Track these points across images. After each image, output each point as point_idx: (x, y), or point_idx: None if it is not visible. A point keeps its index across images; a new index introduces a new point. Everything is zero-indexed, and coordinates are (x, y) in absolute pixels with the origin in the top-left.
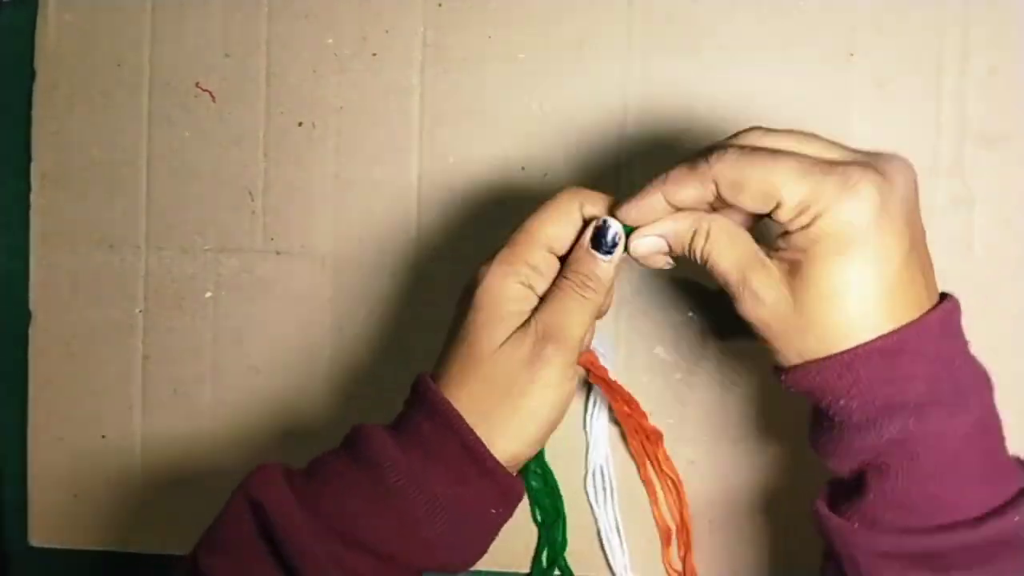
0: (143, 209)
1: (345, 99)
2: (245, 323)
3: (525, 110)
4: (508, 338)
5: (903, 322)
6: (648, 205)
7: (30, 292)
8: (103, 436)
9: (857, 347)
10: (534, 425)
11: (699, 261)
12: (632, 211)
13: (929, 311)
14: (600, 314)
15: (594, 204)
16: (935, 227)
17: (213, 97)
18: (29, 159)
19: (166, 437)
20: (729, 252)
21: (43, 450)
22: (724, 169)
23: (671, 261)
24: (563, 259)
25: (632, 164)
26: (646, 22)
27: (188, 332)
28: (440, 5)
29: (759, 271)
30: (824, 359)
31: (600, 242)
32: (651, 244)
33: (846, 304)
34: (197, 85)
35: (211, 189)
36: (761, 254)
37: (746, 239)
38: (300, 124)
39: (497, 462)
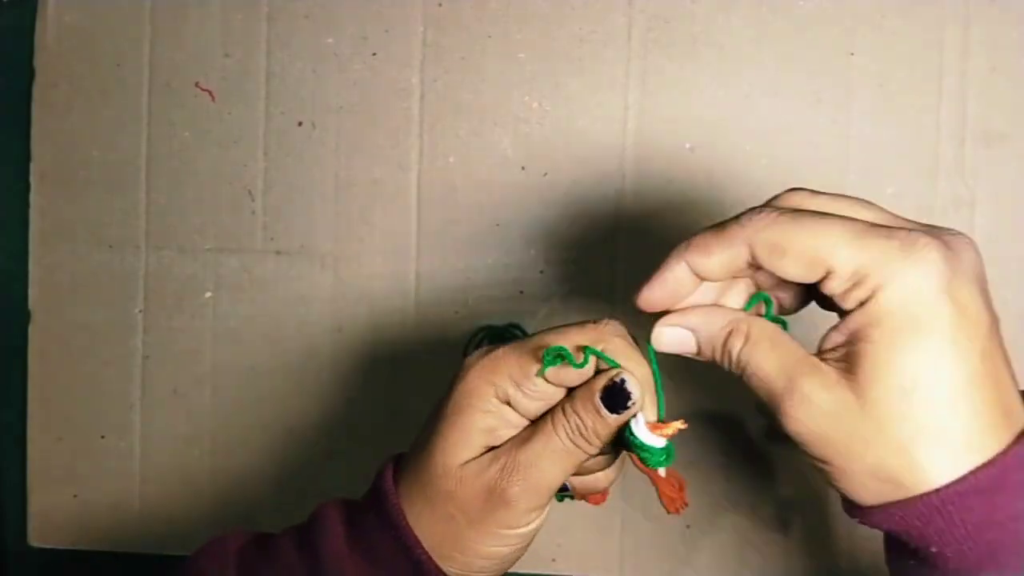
0: (143, 209)
1: (345, 99)
2: (245, 323)
3: (525, 110)
4: (473, 458)
5: (995, 434)
6: (672, 280)
7: (29, 292)
8: (103, 436)
9: (950, 486)
10: (485, 561)
11: (734, 368)
12: (655, 292)
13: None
14: (592, 468)
15: (618, 355)
16: None
17: (213, 97)
18: (28, 159)
19: (166, 437)
20: (772, 355)
21: (42, 450)
22: (762, 229)
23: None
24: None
25: (632, 164)
26: (646, 22)
27: (188, 332)
28: (440, 5)
29: (811, 374)
30: (908, 501)
31: (614, 401)
32: (676, 338)
33: (924, 402)
34: (197, 85)
35: (211, 189)
36: (812, 357)
37: (791, 342)
38: (300, 124)
39: (436, 567)
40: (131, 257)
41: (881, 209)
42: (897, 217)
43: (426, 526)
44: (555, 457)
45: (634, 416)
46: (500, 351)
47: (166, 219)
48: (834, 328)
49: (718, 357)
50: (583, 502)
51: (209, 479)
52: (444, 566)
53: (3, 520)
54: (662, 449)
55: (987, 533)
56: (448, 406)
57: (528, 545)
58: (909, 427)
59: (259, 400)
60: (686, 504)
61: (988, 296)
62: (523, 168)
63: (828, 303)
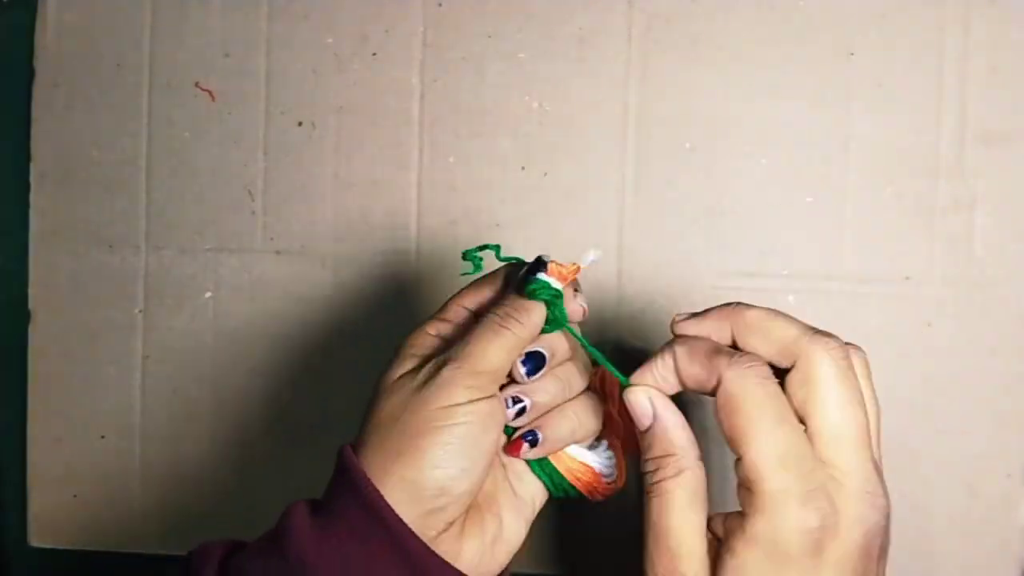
0: (143, 209)
1: (345, 99)
2: (245, 323)
3: (525, 110)
4: (404, 373)
5: None
6: (658, 365)
7: (29, 292)
8: (102, 436)
9: None
10: (435, 471)
11: (647, 485)
12: (642, 374)
13: None
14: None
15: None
16: (935, 227)
17: (213, 97)
18: (28, 159)
19: (165, 437)
20: (682, 513)
21: (42, 450)
22: (733, 381)
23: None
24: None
25: (632, 164)
26: (646, 22)
27: (188, 332)
28: (440, 5)
29: (696, 551)
30: None
31: (532, 270)
32: (643, 408)
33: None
34: (197, 85)
35: (211, 189)
36: (703, 538)
37: (702, 513)
38: (300, 124)
39: (420, 543)
40: (131, 257)
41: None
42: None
43: (377, 443)
44: (487, 337)
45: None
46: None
47: (166, 219)
48: (722, 517)
49: (648, 458)
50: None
51: (209, 479)
52: (398, 495)
53: (3, 520)
54: (553, 288)
55: None
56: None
57: (488, 449)
58: None
59: (259, 400)
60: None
61: (874, 561)
62: (523, 168)
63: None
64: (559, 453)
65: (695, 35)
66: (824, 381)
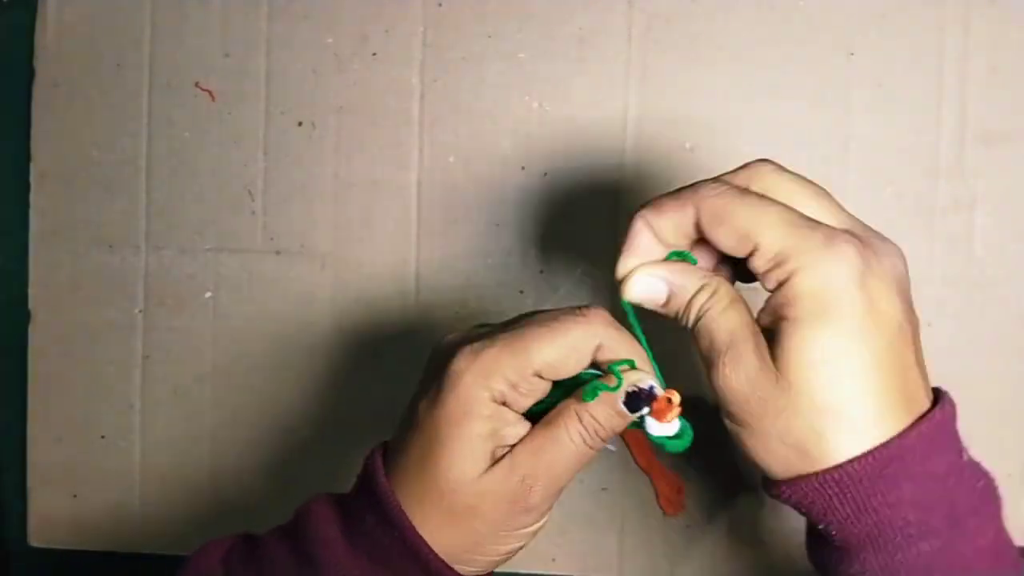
0: (143, 209)
1: (345, 99)
2: (245, 323)
3: (525, 110)
4: (488, 470)
5: (894, 416)
6: (640, 243)
7: (29, 292)
8: (102, 436)
9: (848, 463)
10: (501, 558)
11: (688, 322)
12: (630, 259)
13: (921, 418)
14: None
15: (618, 348)
16: (935, 227)
17: (213, 97)
18: (28, 159)
19: (166, 437)
20: (728, 314)
21: (42, 450)
22: (708, 199)
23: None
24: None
25: (632, 164)
26: (646, 22)
27: (188, 332)
28: (440, 5)
29: (750, 339)
30: (811, 475)
31: (635, 404)
32: (649, 287)
33: (829, 379)
34: (197, 85)
35: (211, 189)
36: (756, 326)
37: (747, 310)
38: (300, 124)
39: (444, 564)
40: (131, 257)
41: (833, 202)
42: (844, 213)
43: (445, 537)
44: (571, 460)
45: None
46: (490, 352)
47: (166, 219)
48: (762, 309)
49: (681, 310)
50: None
51: (209, 479)
52: (457, 567)
53: (3, 520)
54: (678, 433)
55: (868, 516)
56: (444, 415)
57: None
58: (816, 401)
59: (259, 400)
60: (683, 507)
61: (907, 299)
62: (523, 168)
63: (752, 279)
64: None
65: (695, 35)
66: (778, 176)
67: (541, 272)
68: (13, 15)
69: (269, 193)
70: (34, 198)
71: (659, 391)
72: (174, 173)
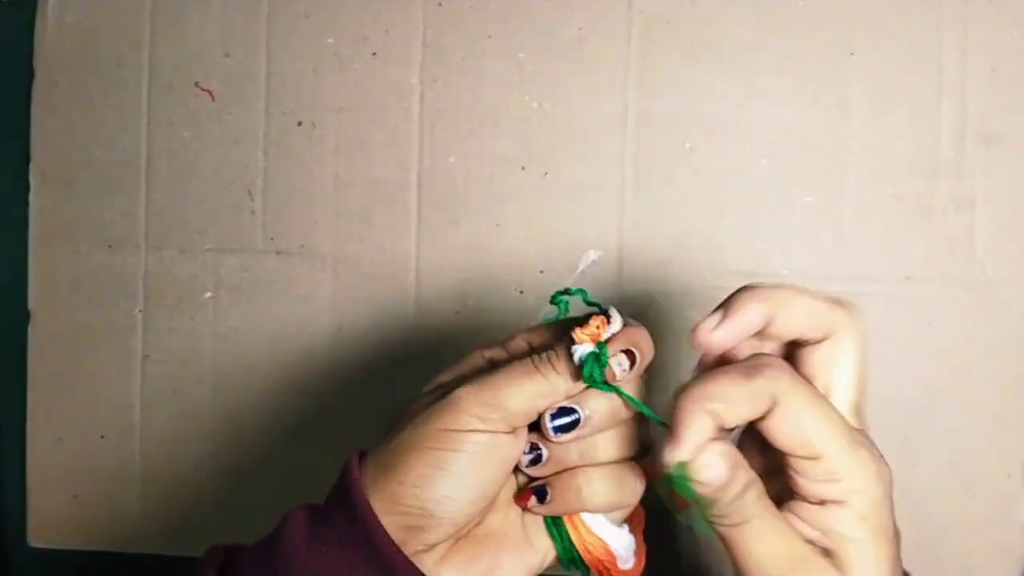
0: (143, 209)
1: (345, 99)
2: (245, 323)
3: (525, 110)
4: (439, 384)
5: None
6: (697, 436)
7: (29, 292)
8: (102, 436)
9: None
10: (417, 490)
11: (721, 525)
12: (684, 452)
13: None
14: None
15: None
16: (935, 227)
17: (213, 97)
18: (28, 159)
19: (165, 437)
20: (777, 524)
21: (42, 450)
22: (786, 397)
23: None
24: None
25: (632, 164)
26: (646, 22)
27: (188, 332)
28: (440, 5)
29: (810, 552)
30: None
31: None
32: (718, 472)
33: None
34: (197, 85)
35: (211, 189)
36: (808, 546)
37: (789, 528)
38: (300, 124)
39: (397, 550)
40: (131, 257)
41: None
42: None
43: (374, 462)
44: (516, 372)
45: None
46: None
47: (166, 219)
48: (799, 518)
49: (729, 501)
50: None
51: (209, 479)
52: (384, 505)
53: (3, 520)
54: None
55: None
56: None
57: (472, 495)
58: None
59: (259, 400)
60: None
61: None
62: (523, 168)
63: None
64: (575, 519)
65: (694, 35)
66: (854, 355)
67: (541, 272)
68: (13, 15)
69: (269, 193)
70: (34, 198)
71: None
72: (174, 173)
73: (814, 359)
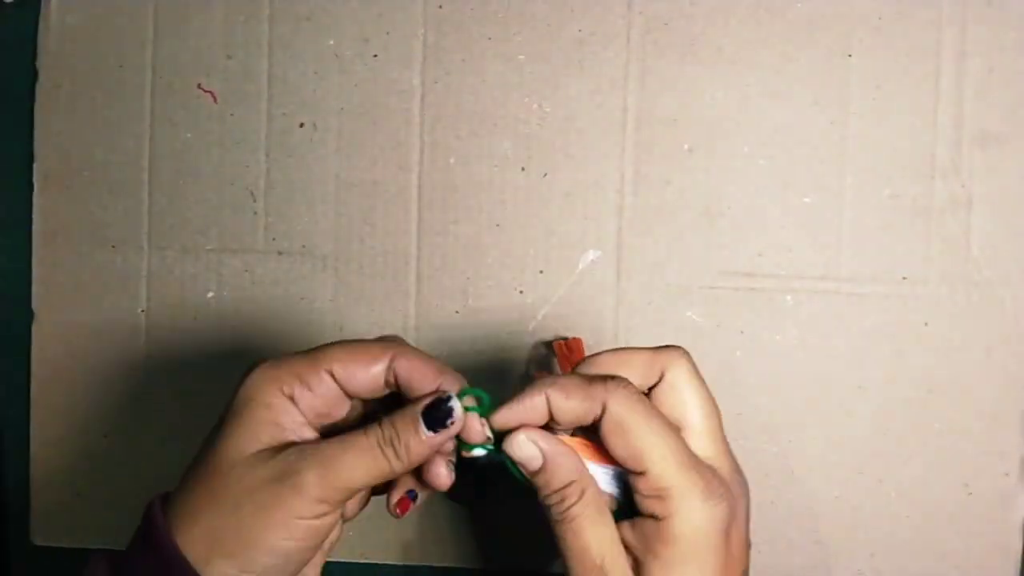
0: (145, 209)
1: (346, 100)
2: (246, 323)
3: (525, 110)
4: (260, 451)
5: None
6: (529, 408)
7: (32, 292)
8: (105, 435)
9: None
10: (268, 558)
11: (554, 514)
12: (511, 414)
13: None
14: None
15: (412, 356)
16: (932, 227)
17: (215, 98)
18: (31, 159)
19: (168, 436)
20: (598, 531)
21: (45, 449)
22: (617, 406)
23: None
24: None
25: (631, 164)
26: (645, 24)
27: (190, 332)
28: (441, 7)
29: (619, 560)
30: None
31: (433, 417)
32: (528, 453)
33: None
34: (199, 86)
35: (213, 189)
36: (620, 545)
37: (612, 524)
38: (301, 125)
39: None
40: (133, 257)
41: (720, 425)
42: (723, 438)
43: (205, 522)
44: (359, 455)
45: (456, 434)
46: (285, 356)
47: (168, 219)
48: (629, 524)
49: (549, 492)
50: None
51: None
52: (216, 570)
53: (6, 518)
54: (492, 449)
55: None
56: (231, 404)
57: (319, 549)
58: None
59: None
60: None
61: (748, 535)
62: (523, 168)
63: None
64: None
65: (694, 37)
66: (689, 384)
67: (541, 272)
68: (17, 17)
69: (271, 194)
70: (37, 199)
71: (459, 409)
72: (176, 174)
73: (659, 400)
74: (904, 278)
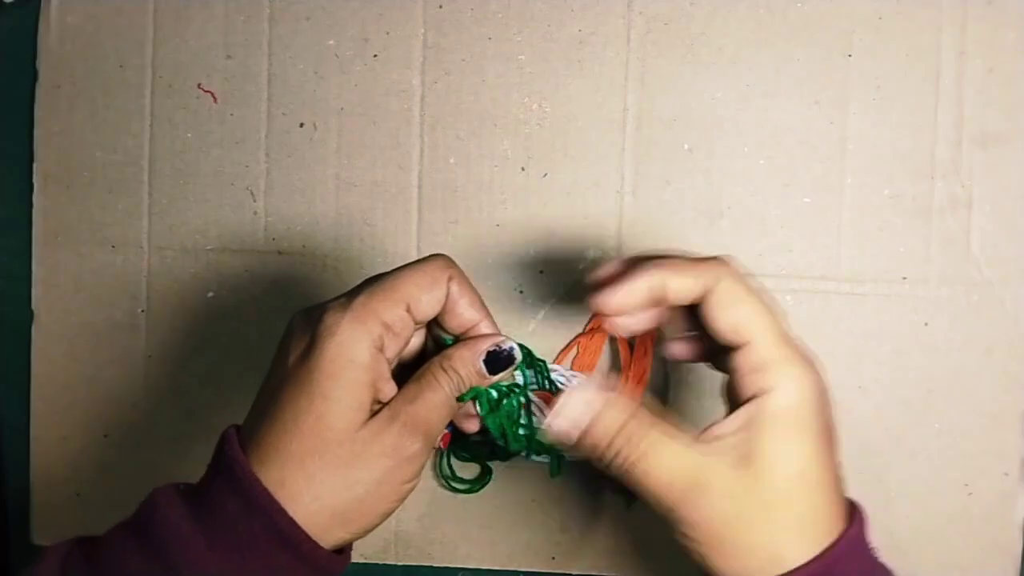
0: (145, 209)
1: (346, 100)
2: (246, 323)
3: (525, 110)
4: (369, 420)
5: (837, 524)
6: (640, 290)
7: (33, 292)
8: (105, 435)
9: (801, 568)
10: (380, 519)
11: (617, 469)
12: (613, 299)
13: (849, 525)
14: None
15: (462, 279)
16: (932, 227)
17: (215, 98)
18: (32, 159)
19: (168, 436)
20: (666, 461)
21: (46, 449)
22: (730, 279)
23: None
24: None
25: (631, 164)
26: (645, 24)
27: (190, 332)
28: (441, 7)
29: (711, 466)
30: None
31: (494, 365)
32: (571, 424)
33: (805, 491)
34: (199, 86)
35: (213, 189)
36: (704, 446)
37: (680, 441)
38: (301, 125)
39: (315, 545)
40: (134, 257)
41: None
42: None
43: (328, 495)
44: (442, 407)
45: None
46: (359, 299)
47: (168, 219)
48: (732, 415)
49: (603, 454)
50: None
51: None
52: (332, 537)
53: (7, 518)
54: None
55: None
56: (323, 366)
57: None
58: (793, 511)
59: None
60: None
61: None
62: (523, 168)
63: (717, 365)
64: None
65: (693, 37)
66: (743, 301)
67: (541, 272)
68: (16, 16)
69: (271, 194)
70: (37, 198)
71: (517, 354)
72: (176, 174)
73: (712, 316)
74: (904, 278)
